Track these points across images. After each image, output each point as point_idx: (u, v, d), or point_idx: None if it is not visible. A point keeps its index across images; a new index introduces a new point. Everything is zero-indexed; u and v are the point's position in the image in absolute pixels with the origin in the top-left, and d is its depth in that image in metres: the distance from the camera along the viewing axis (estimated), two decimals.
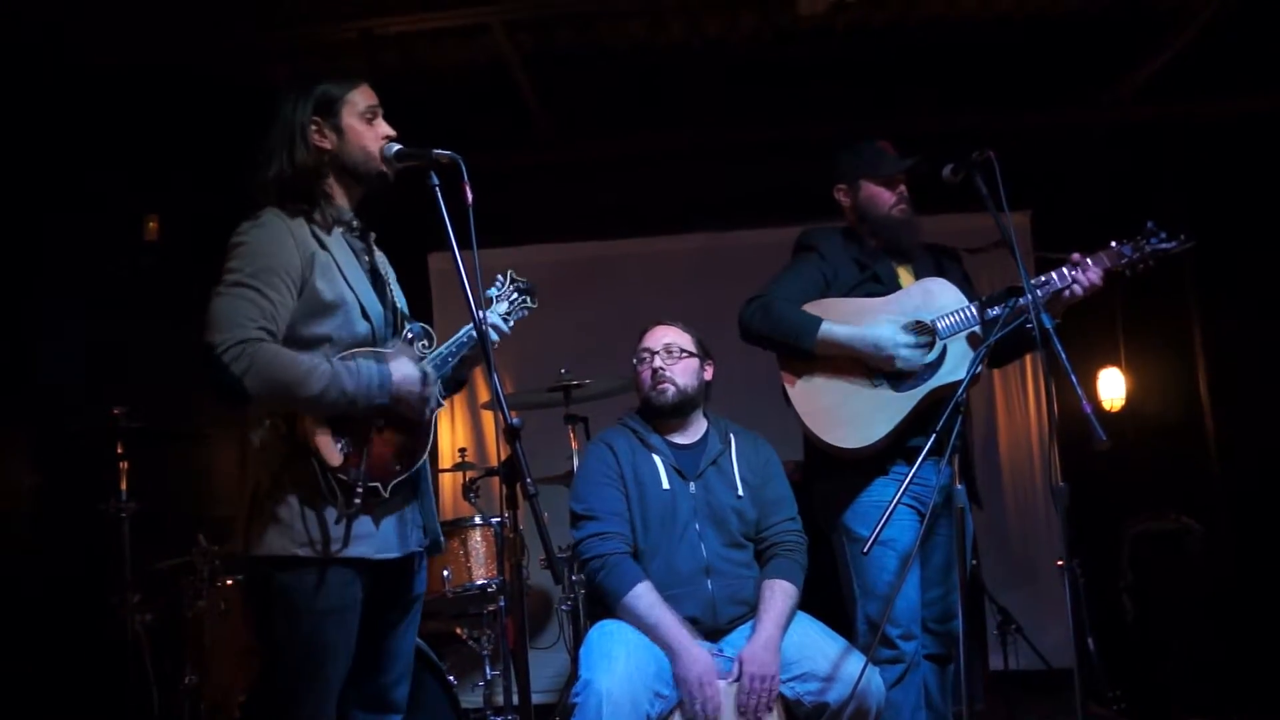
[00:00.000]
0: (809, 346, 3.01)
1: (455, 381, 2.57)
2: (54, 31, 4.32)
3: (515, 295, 2.62)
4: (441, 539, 2.51)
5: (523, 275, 2.64)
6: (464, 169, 2.25)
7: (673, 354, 3.09)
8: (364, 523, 2.25)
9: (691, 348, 3.13)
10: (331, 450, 2.20)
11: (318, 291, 2.25)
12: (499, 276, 2.60)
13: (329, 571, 2.21)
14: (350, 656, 2.27)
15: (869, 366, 3.02)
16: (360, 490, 2.21)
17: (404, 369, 2.28)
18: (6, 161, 4.47)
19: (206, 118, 5.02)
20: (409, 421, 2.32)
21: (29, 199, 4.58)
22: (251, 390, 2.13)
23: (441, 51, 5.06)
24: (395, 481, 2.29)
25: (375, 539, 2.27)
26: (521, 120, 5.44)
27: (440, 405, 2.42)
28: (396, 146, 2.38)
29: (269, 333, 2.17)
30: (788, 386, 3.09)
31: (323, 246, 2.31)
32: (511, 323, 2.60)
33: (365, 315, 2.32)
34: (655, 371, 3.07)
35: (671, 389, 3.06)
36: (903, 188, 3.22)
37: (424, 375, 2.31)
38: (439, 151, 2.31)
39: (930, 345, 3.01)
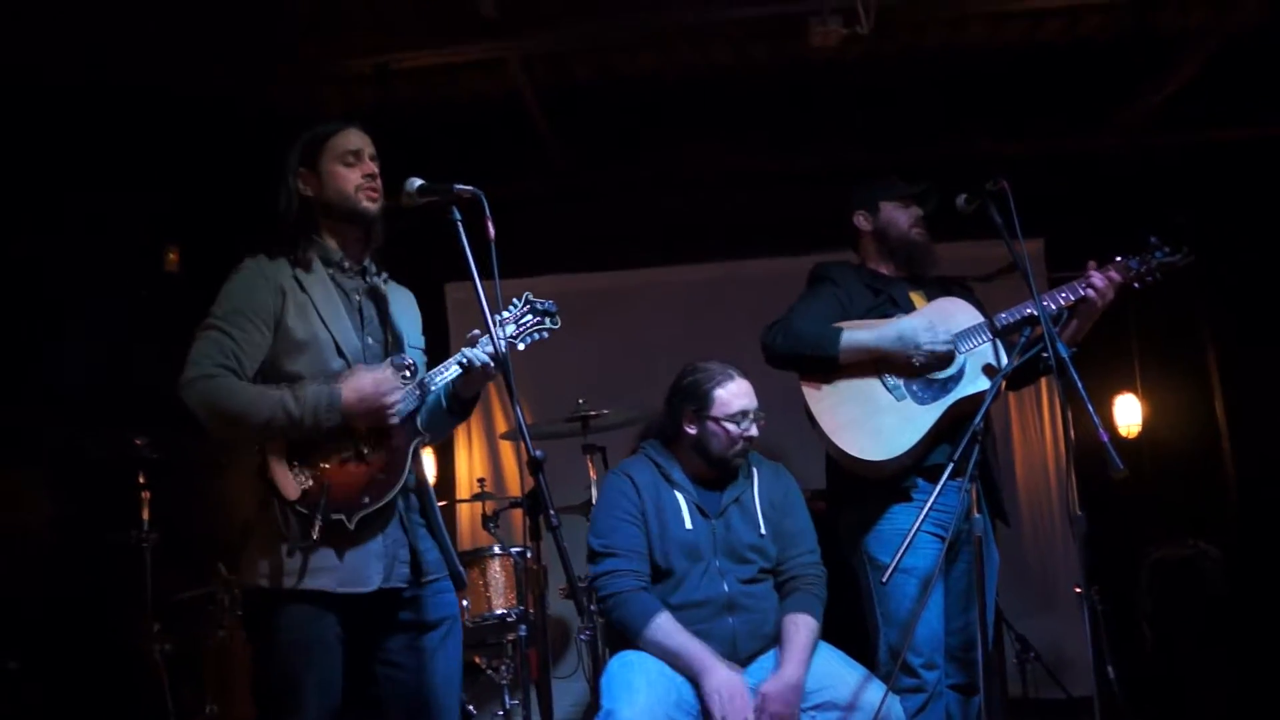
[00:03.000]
0: (834, 353, 3.02)
1: (460, 402, 2.52)
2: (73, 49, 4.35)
3: (529, 318, 2.56)
4: (462, 572, 2.51)
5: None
6: (486, 204, 2.29)
7: (758, 420, 3.03)
8: (324, 555, 2.26)
9: None
10: (288, 483, 2.26)
11: (289, 330, 2.35)
12: (514, 300, 2.56)
13: (288, 606, 2.25)
14: (331, 696, 2.27)
15: (891, 379, 3.03)
16: (319, 523, 2.22)
17: (355, 383, 2.31)
18: (22, 187, 4.52)
19: (221, 147, 5.07)
20: (377, 452, 2.33)
21: (44, 221, 4.62)
22: (204, 421, 2.29)
23: (456, 83, 5.11)
24: (363, 514, 2.28)
25: (338, 572, 2.26)
26: (535, 151, 5.48)
27: (412, 406, 2.38)
28: (419, 181, 2.41)
29: (228, 369, 2.28)
30: (811, 404, 3.07)
31: (301, 287, 2.39)
32: (521, 346, 2.54)
33: (340, 353, 2.37)
34: (750, 439, 3.00)
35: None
36: (919, 212, 3.28)
37: (382, 379, 2.31)
38: (461, 187, 2.35)
39: (951, 355, 3.02)
